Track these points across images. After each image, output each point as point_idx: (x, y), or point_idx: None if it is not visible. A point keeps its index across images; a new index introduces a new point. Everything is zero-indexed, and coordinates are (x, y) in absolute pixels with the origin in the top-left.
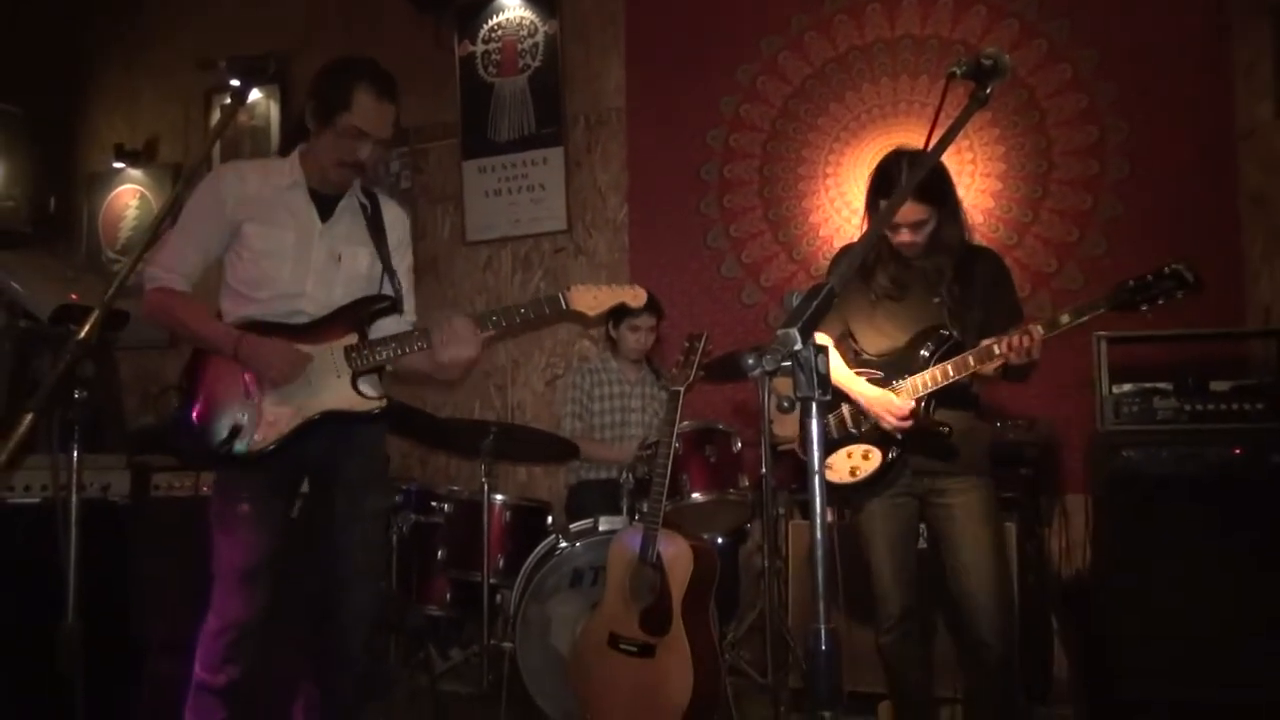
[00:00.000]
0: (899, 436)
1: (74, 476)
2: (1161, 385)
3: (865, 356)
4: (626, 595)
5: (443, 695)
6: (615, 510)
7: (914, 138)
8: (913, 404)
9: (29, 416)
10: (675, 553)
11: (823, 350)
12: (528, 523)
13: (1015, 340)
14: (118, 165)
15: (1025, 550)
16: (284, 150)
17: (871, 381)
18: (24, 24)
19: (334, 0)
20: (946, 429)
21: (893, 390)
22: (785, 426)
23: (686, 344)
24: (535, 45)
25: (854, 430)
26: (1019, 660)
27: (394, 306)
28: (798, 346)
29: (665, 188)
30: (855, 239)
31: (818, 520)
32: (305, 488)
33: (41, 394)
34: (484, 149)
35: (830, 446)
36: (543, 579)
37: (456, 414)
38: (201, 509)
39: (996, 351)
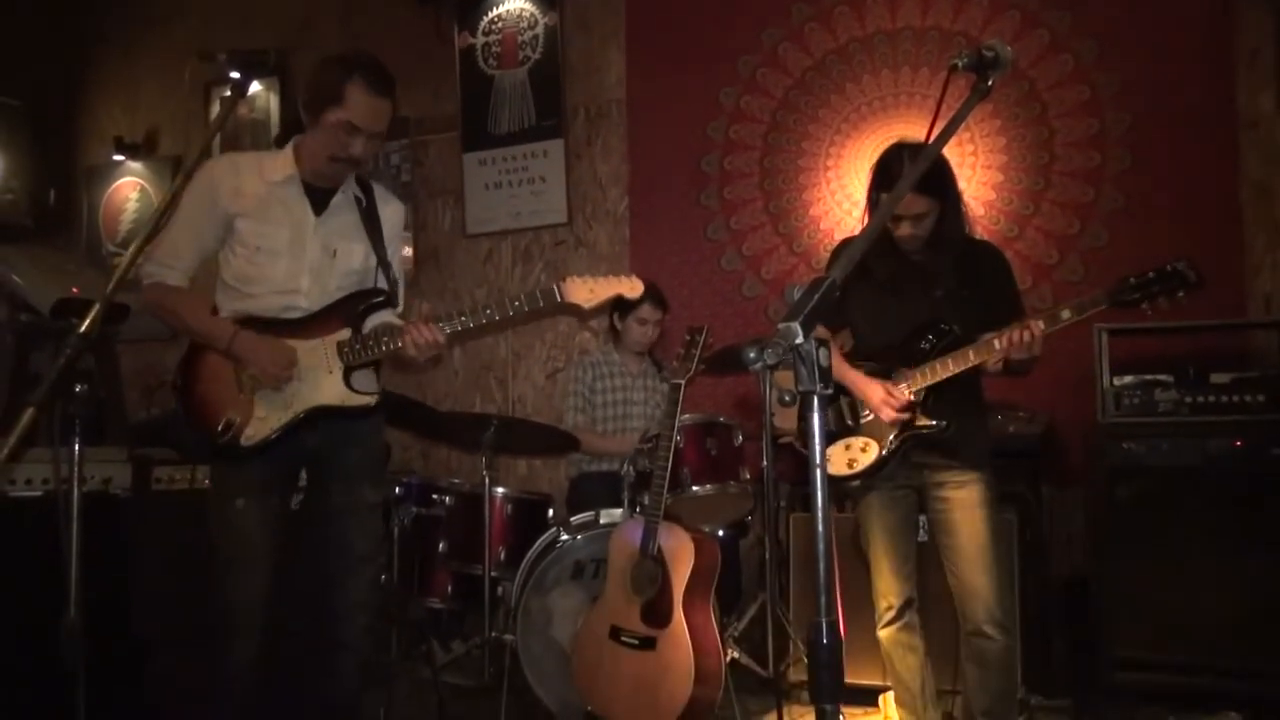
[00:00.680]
0: (897, 427)
1: (75, 470)
2: (1162, 377)
3: (865, 350)
4: (628, 588)
5: (444, 687)
6: (616, 503)
7: (915, 130)
8: (909, 396)
9: (30, 410)
10: (676, 545)
11: (824, 344)
12: (529, 515)
13: (1015, 335)
14: (118, 158)
15: (1025, 542)
16: (281, 143)
17: (870, 375)
18: (24, 17)
19: None
20: (944, 424)
21: (892, 384)
22: (785, 419)
23: (687, 337)
24: (535, 37)
25: (851, 423)
26: (1019, 651)
27: (388, 301)
28: (799, 340)
29: (666, 180)
30: (856, 232)
31: (819, 513)
32: (304, 480)
33: (43, 388)
34: (484, 141)
35: (828, 439)
36: (544, 572)
37: (457, 407)
38: (202, 502)
39: (997, 346)
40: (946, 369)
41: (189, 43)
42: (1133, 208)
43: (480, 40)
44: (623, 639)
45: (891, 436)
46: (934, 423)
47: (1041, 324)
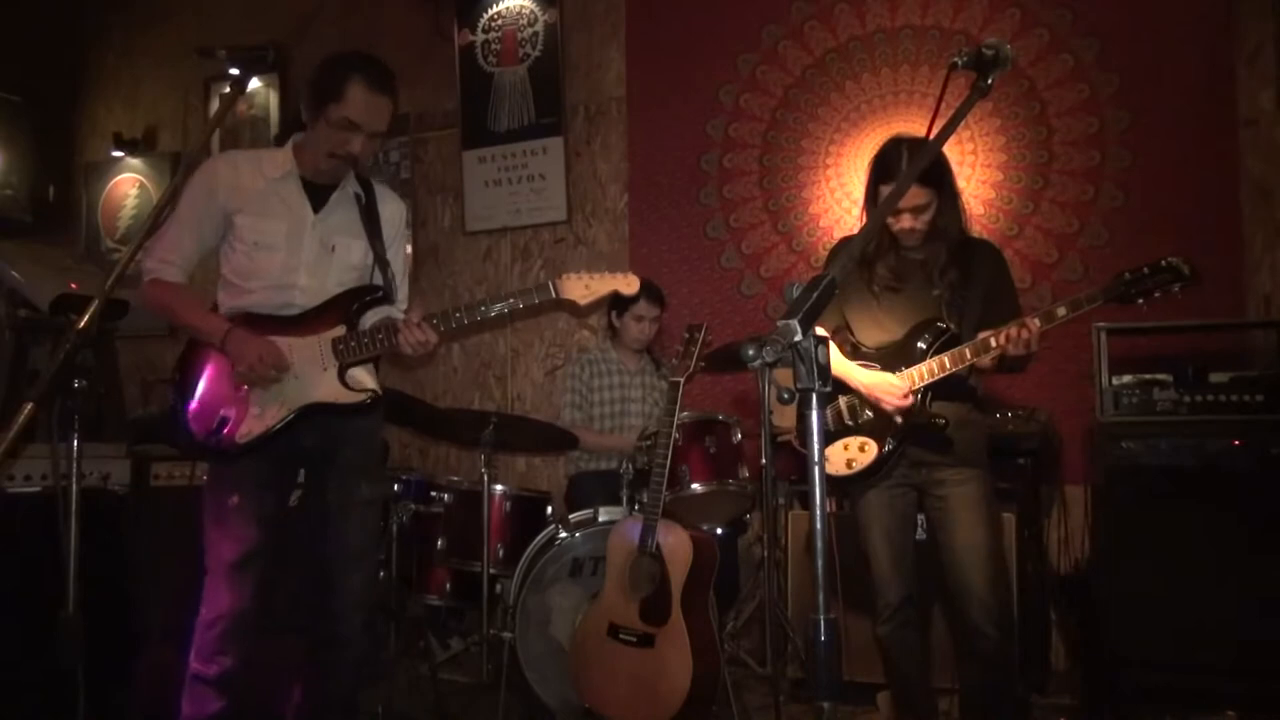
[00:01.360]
0: (898, 422)
1: (74, 466)
2: (1161, 376)
3: (863, 349)
4: (626, 585)
5: (442, 684)
6: (615, 501)
7: (915, 128)
8: (914, 383)
9: (29, 406)
10: (675, 543)
11: (823, 342)
12: (527, 513)
13: (1012, 333)
14: (117, 154)
15: (1024, 540)
16: (281, 140)
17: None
18: (23, 13)
19: None
20: (943, 421)
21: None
22: (783, 417)
23: (686, 335)
24: (535, 35)
25: (850, 422)
26: (1017, 650)
27: (385, 298)
28: (798, 338)
29: (665, 178)
30: (855, 230)
31: (817, 511)
32: (301, 478)
33: (41, 383)
34: (484, 139)
35: (827, 439)
36: (542, 569)
37: (456, 404)
38: (201, 498)
39: (993, 344)
40: (944, 368)
41: (188, 39)
42: (1132, 207)
43: (480, 37)
44: (621, 636)
45: (890, 436)
46: (932, 422)
47: (1038, 322)
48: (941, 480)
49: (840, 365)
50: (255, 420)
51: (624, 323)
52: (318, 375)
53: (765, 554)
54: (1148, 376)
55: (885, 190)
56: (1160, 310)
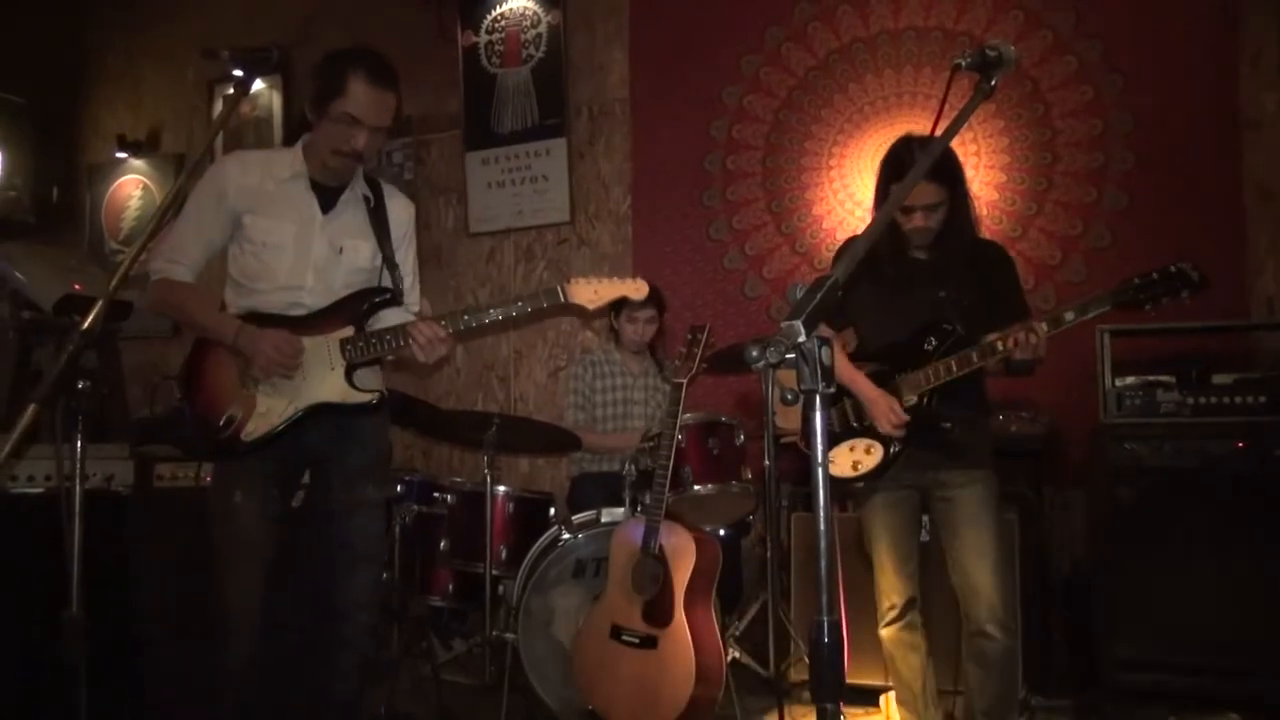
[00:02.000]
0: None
1: (77, 467)
2: (1164, 378)
3: (869, 350)
4: (629, 587)
5: (445, 686)
6: (617, 502)
7: (918, 129)
8: (906, 417)
9: (32, 407)
10: (677, 544)
11: (827, 343)
12: (530, 514)
13: (1019, 337)
14: (120, 155)
15: (1027, 542)
16: (289, 141)
17: (874, 375)
18: (26, 14)
19: None
20: (949, 425)
21: (896, 385)
22: (786, 419)
23: (689, 336)
24: (538, 36)
25: (855, 424)
26: (1021, 652)
27: (394, 299)
28: (801, 339)
29: (668, 179)
30: (859, 231)
31: (821, 513)
32: (306, 478)
33: (45, 384)
34: (487, 140)
35: (832, 440)
36: (545, 570)
37: (459, 405)
38: (204, 499)
39: (1000, 348)
40: (949, 370)
41: (192, 41)
42: (1136, 208)
43: (483, 39)
44: (624, 638)
45: (896, 439)
46: (938, 426)
47: (1044, 326)
48: (946, 483)
49: (846, 371)
50: (261, 419)
51: (620, 324)
52: (325, 375)
53: (768, 555)
54: (1151, 378)
55: (897, 189)
56: (1164, 312)
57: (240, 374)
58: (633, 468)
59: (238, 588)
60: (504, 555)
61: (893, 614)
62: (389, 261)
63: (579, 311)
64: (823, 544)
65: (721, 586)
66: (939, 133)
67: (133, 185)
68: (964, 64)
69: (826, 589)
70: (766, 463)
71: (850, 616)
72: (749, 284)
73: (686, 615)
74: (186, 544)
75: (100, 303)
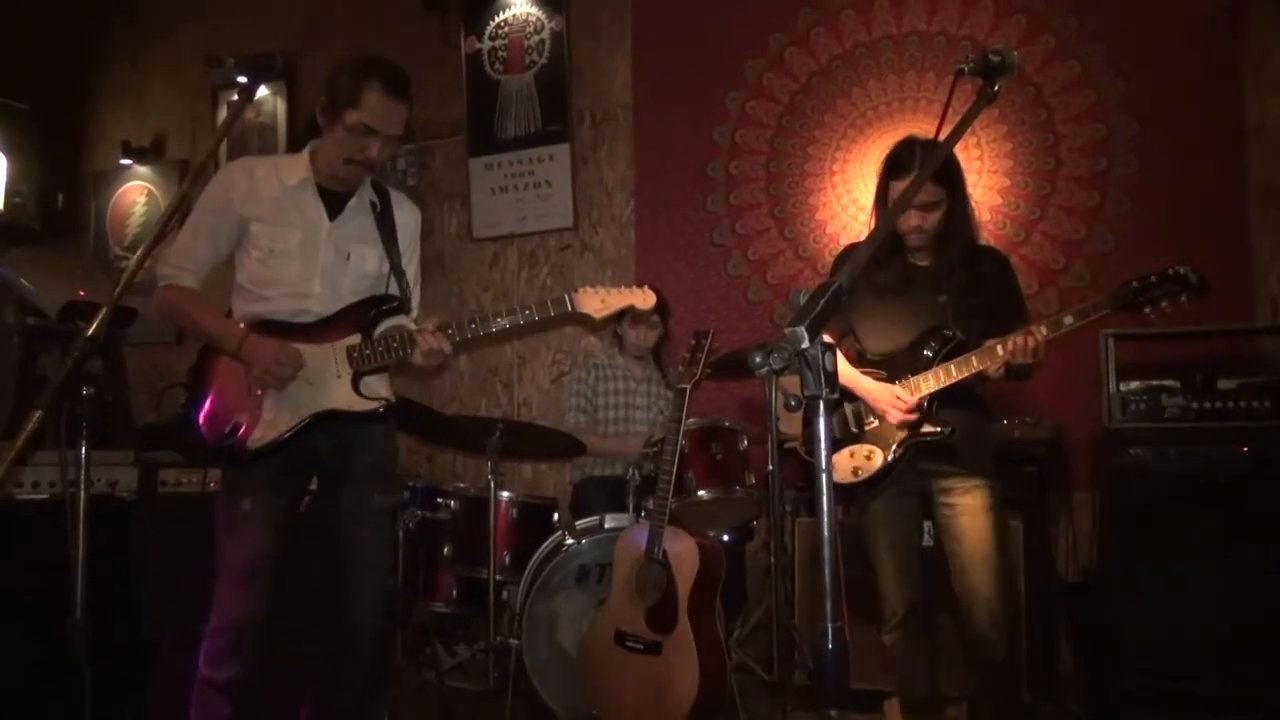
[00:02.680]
0: (902, 434)
1: (82, 473)
2: (1169, 383)
3: (868, 356)
4: (632, 592)
5: (449, 692)
6: (621, 507)
7: (921, 134)
8: (917, 399)
9: (37, 413)
10: (681, 550)
11: (830, 348)
12: (534, 520)
13: (1019, 341)
14: (125, 162)
15: (1031, 547)
16: (296, 147)
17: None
18: (31, 21)
19: None
20: (949, 430)
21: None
22: (790, 424)
23: (693, 341)
24: (542, 42)
25: (856, 430)
26: (1024, 657)
27: (401, 307)
28: (805, 344)
29: (671, 185)
30: (862, 236)
31: (825, 518)
32: (314, 485)
33: (50, 390)
34: (490, 146)
35: (833, 446)
36: (549, 576)
37: (463, 411)
38: (209, 505)
39: (1000, 352)
40: (950, 375)
41: (196, 47)
42: (1139, 213)
43: (486, 45)
44: (628, 644)
45: (896, 444)
46: (939, 429)
47: (1044, 330)
48: (948, 488)
49: (846, 373)
50: (268, 426)
51: (624, 329)
52: (331, 383)
53: (772, 561)
54: (1155, 383)
55: (896, 186)
56: (1168, 316)
57: (247, 381)
58: (636, 473)
59: (244, 595)
60: (508, 561)
61: (895, 620)
62: (396, 269)
63: (586, 321)
64: (826, 550)
65: (725, 592)
66: (942, 138)
67: (137, 192)
68: (967, 69)
69: (831, 595)
70: (770, 468)
71: (853, 622)
72: (752, 289)
73: (690, 621)
74: (191, 549)
75: (105, 309)
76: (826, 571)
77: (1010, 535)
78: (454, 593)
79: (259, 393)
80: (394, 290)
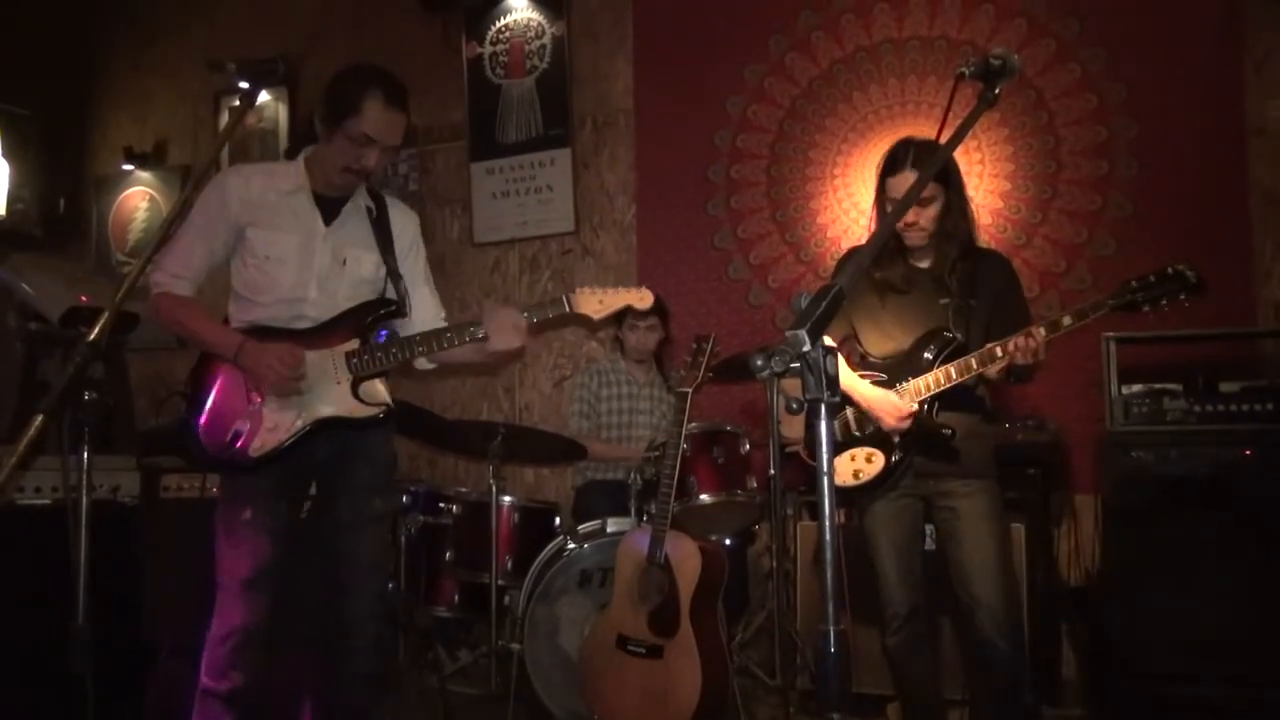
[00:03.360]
0: (898, 439)
1: (84, 477)
2: (1171, 386)
3: (869, 359)
4: (634, 596)
5: (451, 696)
6: (623, 511)
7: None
8: (914, 406)
9: (39, 418)
10: (683, 554)
11: (831, 352)
12: (536, 524)
13: (1019, 342)
14: (127, 167)
15: (1034, 550)
16: (292, 153)
17: (875, 384)
18: (33, 27)
19: (342, 1)
20: (949, 432)
21: (896, 393)
22: (792, 428)
23: (694, 345)
24: (543, 47)
25: (857, 433)
26: (1027, 661)
27: (399, 311)
28: (806, 348)
29: (673, 189)
30: (863, 240)
31: (827, 522)
32: (313, 490)
33: (52, 395)
34: (491, 151)
35: (834, 450)
36: (551, 580)
37: (465, 415)
38: (211, 510)
39: (999, 354)
40: (950, 378)
41: (198, 53)
42: (1140, 216)
43: (488, 50)
44: (629, 648)
45: (897, 446)
46: (938, 433)
47: (1043, 331)
48: (949, 491)
49: (844, 377)
50: (269, 434)
51: (623, 332)
52: (330, 389)
53: (774, 565)
54: (1157, 386)
55: (890, 183)
56: (1170, 319)
57: (247, 389)
58: (638, 477)
59: (245, 604)
60: (509, 565)
61: (897, 623)
62: (393, 273)
63: (584, 321)
64: (828, 554)
65: (727, 596)
66: (943, 141)
67: (139, 197)
68: (968, 72)
69: (832, 599)
70: (771, 472)
71: (855, 626)
72: (754, 293)
73: (692, 625)
74: (193, 554)
75: (107, 314)
76: (828, 575)
77: (1012, 538)
78: (456, 597)
79: (259, 400)
80: (392, 295)
